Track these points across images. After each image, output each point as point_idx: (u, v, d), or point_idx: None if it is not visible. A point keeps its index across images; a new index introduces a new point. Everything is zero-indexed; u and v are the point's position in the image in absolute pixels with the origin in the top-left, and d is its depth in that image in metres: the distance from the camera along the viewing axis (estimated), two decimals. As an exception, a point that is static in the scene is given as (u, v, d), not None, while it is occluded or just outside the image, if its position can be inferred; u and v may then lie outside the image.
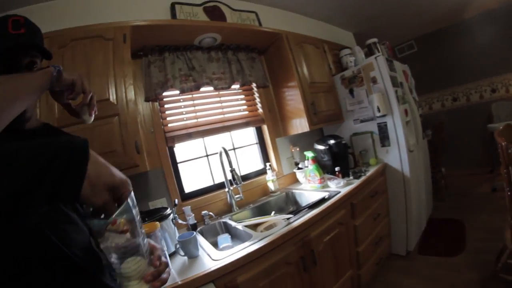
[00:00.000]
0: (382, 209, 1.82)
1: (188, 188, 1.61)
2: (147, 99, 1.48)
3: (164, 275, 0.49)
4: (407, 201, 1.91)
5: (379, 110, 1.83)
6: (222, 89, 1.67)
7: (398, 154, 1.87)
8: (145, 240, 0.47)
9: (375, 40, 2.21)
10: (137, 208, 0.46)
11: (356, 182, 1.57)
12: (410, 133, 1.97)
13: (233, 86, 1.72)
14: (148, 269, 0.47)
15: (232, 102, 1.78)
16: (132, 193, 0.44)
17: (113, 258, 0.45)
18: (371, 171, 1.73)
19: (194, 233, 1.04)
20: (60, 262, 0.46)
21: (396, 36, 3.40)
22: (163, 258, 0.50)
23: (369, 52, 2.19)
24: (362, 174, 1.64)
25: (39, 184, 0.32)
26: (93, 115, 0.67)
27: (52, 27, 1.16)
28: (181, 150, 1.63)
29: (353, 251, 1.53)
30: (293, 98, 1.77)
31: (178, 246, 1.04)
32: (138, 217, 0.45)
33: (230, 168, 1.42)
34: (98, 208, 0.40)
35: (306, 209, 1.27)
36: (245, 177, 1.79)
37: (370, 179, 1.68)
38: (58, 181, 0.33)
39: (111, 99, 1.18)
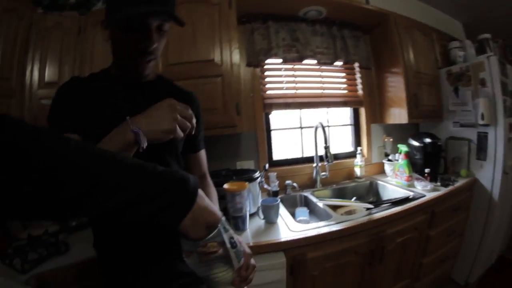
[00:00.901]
0: (459, 227, 1.62)
1: (276, 155, 1.68)
2: (248, 64, 1.52)
3: (251, 276, 0.52)
4: (486, 227, 1.66)
5: (482, 118, 1.55)
6: (325, 64, 1.62)
7: (492, 173, 1.60)
8: (236, 250, 0.46)
9: (488, 36, 1.81)
10: (230, 231, 0.45)
11: (443, 190, 1.40)
12: (511, 153, 1.65)
13: (335, 63, 1.67)
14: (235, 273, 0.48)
15: (332, 79, 1.75)
16: (224, 219, 0.45)
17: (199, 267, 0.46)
18: (460, 182, 1.53)
19: (278, 200, 1.04)
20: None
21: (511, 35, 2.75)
22: (251, 261, 0.52)
23: (480, 49, 1.82)
24: (451, 183, 1.45)
25: (144, 208, 0.34)
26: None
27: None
28: (276, 118, 1.70)
29: (417, 261, 1.42)
30: (395, 85, 1.61)
31: (260, 209, 1.05)
32: (232, 239, 0.45)
33: (324, 145, 1.37)
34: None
35: (389, 204, 1.17)
36: (334, 157, 1.76)
37: (457, 191, 1.49)
38: (162, 212, 0.36)
39: (215, 60, 1.22)
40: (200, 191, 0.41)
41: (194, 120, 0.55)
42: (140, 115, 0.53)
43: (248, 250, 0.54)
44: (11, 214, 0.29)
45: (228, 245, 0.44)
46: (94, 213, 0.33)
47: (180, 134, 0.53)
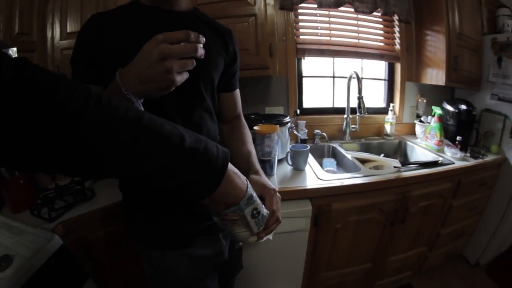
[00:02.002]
0: (481, 204, 1.60)
1: (306, 103, 1.68)
2: (282, 7, 1.45)
3: (273, 226, 0.53)
4: (506, 211, 1.63)
5: None
6: (363, 12, 1.52)
7: None
8: (257, 220, 0.46)
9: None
10: (255, 203, 0.44)
11: (472, 162, 1.37)
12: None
13: (374, 13, 1.58)
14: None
15: (369, 29, 1.66)
16: (249, 192, 0.43)
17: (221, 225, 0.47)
18: (489, 157, 1.48)
19: (308, 146, 1.03)
20: None
21: None
22: (279, 214, 0.55)
23: None
24: (480, 156, 1.40)
25: (167, 181, 0.33)
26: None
27: None
28: (308, 65, 1.66)
29: (436, 230, 1.44)
30: (435, 44, 1.53)
31: (289, 154, 1.03)
32: (255, 210, 0.45)
33: (358, 95, 1.34)
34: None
35: (417, 165, 1.13)
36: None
37: (485, 166, 1.45)
38: (184, 188, 0.35)
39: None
40: (228, 170, 0.38)
41: (201, 41, 0.45)
42: (131, 68, 0.45)
43: (274, 207, 0.54)
44: (23, 164, 0.27)
45: (249, 218, 0.44)
46: (116, 176, 0.32)
47: (182, 80, 0.46)
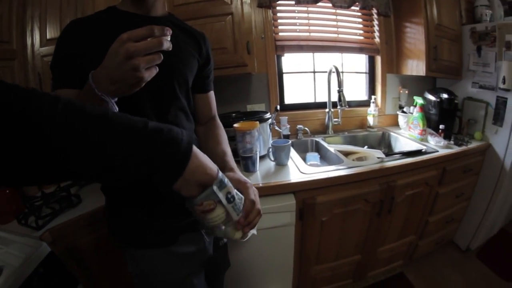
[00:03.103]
0: (467, 190, 1.62)
1: (288, 99, 1.68)
2: (260, 5, 1.44)
3: (256, 219, 0.52)
4: (493, 195, 1.65)
5: (504, 82, 1.48)
6: (341, 7, 1.53)
7: (507, 140, 1.55)
8: (234, 204, 0.46)
9: (520, -2, 1.67)
10: (227, 186, 0.43)
11: (456, 149, 1.38)
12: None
13: (352, 7, 1.58)
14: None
15: (348, 23, 1.67)
16: (220, 175, 0.43)
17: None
18: (473, 144, 1.49)
19: (289, 141, 1.02)
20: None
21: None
22: (256, 207, 0.53)
23: (510, 11, 1.69)
24: (464, 143, 1.41)
25: (132, 172, 0.33)
26: None
27: None
28: (288, 61, 1.67)
29: (424, 218, 1.44)
30: (415, 36, 1.54)
31: (270, 150, 1.02)
32: (229, 194, 0.44)
33: (338, 89, 1.34)
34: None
35: (401, 155, 1.14)
36: (347, 103, 1.74)
37: (469, 152, 1.46)
38: (151, 175, 0.35)
39: (224, -2, 1.17)
40: (194, 149, 0.39)
41: (167, 34, 0.44)
42: (102, 70, 0.45)
43: (252, 197, 0.53)
44: None
45: (225, 202, 0.44)
46: (81, 177, 0.32)
47: (151, 75, 0.45)
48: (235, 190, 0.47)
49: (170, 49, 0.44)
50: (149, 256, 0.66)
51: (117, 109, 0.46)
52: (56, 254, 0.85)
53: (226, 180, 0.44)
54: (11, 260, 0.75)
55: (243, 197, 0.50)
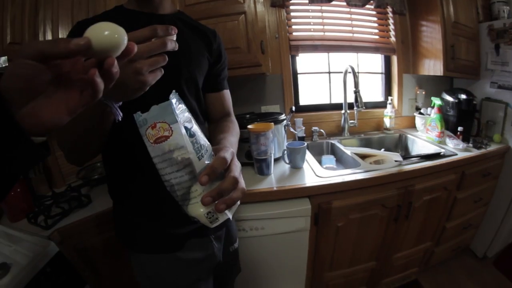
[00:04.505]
0: (486, 195, 1.55)
1: (303, 101, 1.65)
2: (273, 4, 1.42)
3: (234, 194, 0.41)
4: None
5: None
6: (355, 6, 1.50)
7: None
8: (195, 139, 0.39)
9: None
10: (186, 114, 0.38)
11: (475, 152, 1.32)
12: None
13: (367, 6, 1.55)
14: (211, 187, 0.39)
15: (363, 22, 1.64)
16: (174, 93, 0.39)
17: (164, 169, 0.39)
18: (492, 147, 1.43)
19: (305, 143, 0.99)
20: None
21: None
22: (233, 173, 0.42)
23: None
24: (483, 146, 1.35)
25: None
26: None
27: None
28: (303, 62, 1.64)
29: (441, 224, 1.38)
30: (431, 35, 1.49)
31: (285, 152, 0.99)
32: (189, 124, 0.38)
33: (354, 89, 1.31)
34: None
35: (419, 158, 1.09)
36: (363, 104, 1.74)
37: (488, 155, 1.40)
38: None
39: (237, -3, 1.15)
40: None
41: (172, 33, 0.40)
42: None
43: (225, 155, 0.42)
44: None
45: (182, 130, 0.37)
46: None
47: (155, 78, 0.41)
48: (203, 136, 0.42)
49: (176, 49, 0.40)
50: (155, 262, 0.64)
51: (121, 114, 0.43)
52: (64, 254, 0.84)
53: (181, 102, 0.40)
54: (19, 258, 0.76)
55: (210, 145, 0.43)
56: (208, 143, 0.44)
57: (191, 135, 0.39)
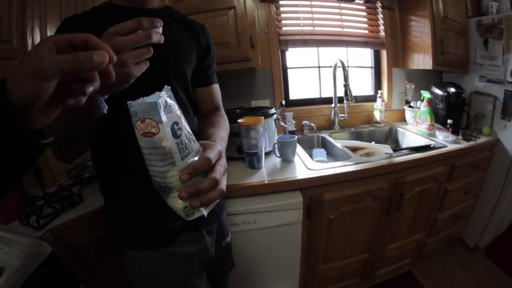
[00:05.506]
0: (476, 186, 1.57)
1: (293, 95, 1.66)
2: (262, 0, 1.41)
3: (211, 194, 0.41)
4: (502, 192, 1.60)
5: None
6: (345, 1, 1.51)
7: None
8: (180, 141, 0.40)
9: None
10: (175, 112, 0.39)
11: (464, 144, 1.34)
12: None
13: (356, 1, 1.57)
14: (197, 182, 0.40)
15: (353, 17, 1.64)
16: (167, 87, 0.39)
17: (149, 160, 0.40)
18: (481, 139, 1.45)
19: (296, 137, 0.99)
20: None
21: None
22: (214, 174, 0.42)
23: None
24: (473, 138, 1.36)
25: None
26: None
27: None
28: (293, 56, 1.64)
29: (433, 216, 1.40)
30: (420, 29, 1.51)
31: (276, 146, 0.99)
32: (176, 125, 0.39)
33: (344, 83, 1.31)
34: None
35: (409, 150, 1.09)
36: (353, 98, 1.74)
37: (478, 148, 1.42)
38: None
39: (227, -8, 1.14)
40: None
41: (157, 25, 0.39)
42: None
43: (209, 155, 0.42)
44: None
45: (168, 131, 0.37)
46: None
47: (140, 70, 0.41)
48: (190, 134, 0.41)
49: (162, 41, 0.40)
50: (146, 257, 0.63)
51: (107, 107, 0.42)
52: (57, 254, 0.83)
53: (173, 99, 0.40)
54: (12, 260, 0.74)
55: (196, 141, 0.43)
56: (195, 140, 0.44)
57: (177, 136, 0.39)
